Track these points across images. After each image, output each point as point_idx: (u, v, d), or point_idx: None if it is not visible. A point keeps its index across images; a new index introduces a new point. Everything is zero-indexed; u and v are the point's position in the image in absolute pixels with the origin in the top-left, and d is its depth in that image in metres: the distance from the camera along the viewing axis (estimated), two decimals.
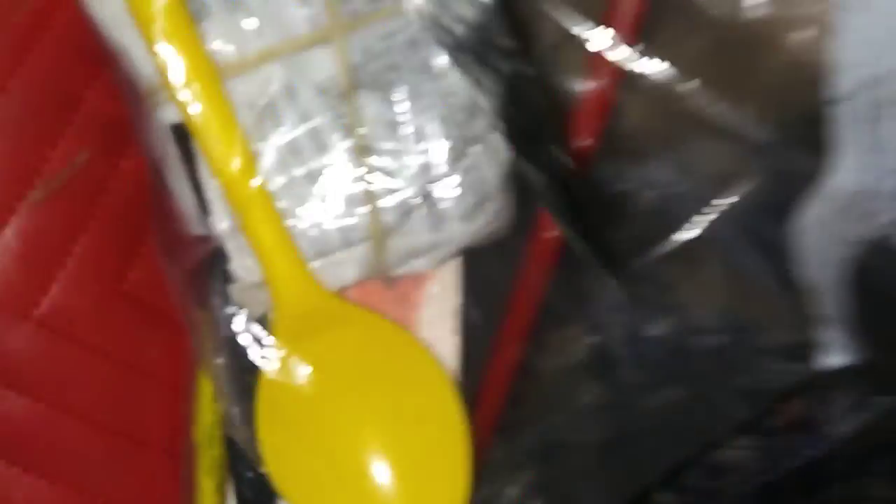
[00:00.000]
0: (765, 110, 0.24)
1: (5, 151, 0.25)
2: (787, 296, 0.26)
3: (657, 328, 0.28)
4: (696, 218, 0.26)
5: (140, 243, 0.27)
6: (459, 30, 0.19)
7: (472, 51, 0.20)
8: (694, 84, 0.24)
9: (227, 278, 0.25)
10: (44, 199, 0.25)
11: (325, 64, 0.24)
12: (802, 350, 0.27)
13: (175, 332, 0.28)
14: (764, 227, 0.26)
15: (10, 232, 0.25)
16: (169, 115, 0.24)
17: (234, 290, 0.25)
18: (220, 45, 0.23)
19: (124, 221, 0.27)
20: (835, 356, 0.27)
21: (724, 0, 0.23)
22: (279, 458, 0.25)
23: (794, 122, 0.24)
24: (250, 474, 0.28)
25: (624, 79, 0.25)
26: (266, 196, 0.24)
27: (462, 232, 0.25)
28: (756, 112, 0.24)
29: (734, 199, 0.26)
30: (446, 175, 0.25)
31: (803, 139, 0.24)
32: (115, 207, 0.27)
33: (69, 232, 0.26)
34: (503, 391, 0.28)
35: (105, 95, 0.26)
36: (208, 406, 0.28)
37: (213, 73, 0.23)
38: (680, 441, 0.31)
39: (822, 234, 0.25)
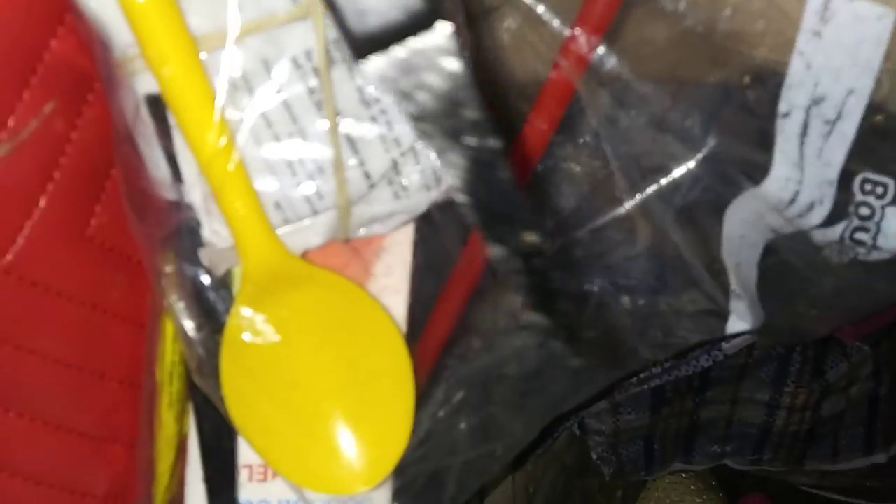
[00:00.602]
0: (712, 115, 0.26)
1: None
2: (705, 270, 0.29)
3: (587, 285, 0.31)
4: (634, 194, 0.29)
5: (101, 189, 0.28)
6: (424, 98, 0.18)
7: (437, 122, 0.18)
8: (649, 83, 0.26)
9: (195, 241, 0.26)
10: (9, 152, 0.25)
11: (302, 39, 0.24)
12: (711, 316, 0.31)
13: (138, 273, 0.29)
14: (695, 212, 0.28)
15: None
16: (144, 86, 0.24)
17: (203, 253, 0.26)
18: (198, 19, 0.23)
19: (87, 168, 0.27)
20: (739, 323, 0.30)
21: (699, 11, 0.24)
22: (239, 403, 0.27)
23: (739, 129, 0.26)
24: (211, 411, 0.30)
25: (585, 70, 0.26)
26: (240, 167, 0.25)
27: (423, 200, 0.27)
28: (704, 116, 0.26)
29: (671, 183, 0.28)
30: (412, 149, 0.26)
31: (746, 145, 0.26)
32: (79, 156, 0.27)
33: (35, 183, 0.26)
34: (443, 343, 0.30)
35: (69, 44, 0.26)
36: (170, 346, 0.30)
37: (190, 46, 0.23)
38: (595, 377, 0.34)
39: (747, 224, 0.28)
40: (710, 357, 0.44)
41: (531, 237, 0.21)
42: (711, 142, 0.26)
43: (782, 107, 0.24)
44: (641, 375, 0.46)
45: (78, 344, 0.29)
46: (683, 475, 0.64)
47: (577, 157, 0.29)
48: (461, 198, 0.20)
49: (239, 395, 0.27)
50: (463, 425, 0.34)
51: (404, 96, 0.18)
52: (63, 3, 0.25)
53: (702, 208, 0.28)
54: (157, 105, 0.24)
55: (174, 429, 0.30)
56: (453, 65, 0.18)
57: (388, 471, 0.29)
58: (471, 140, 0.19)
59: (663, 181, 0.28)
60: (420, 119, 0.18)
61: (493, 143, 0.19)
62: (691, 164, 0.27)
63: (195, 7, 0.23)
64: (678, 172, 0.28)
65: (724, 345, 0.40)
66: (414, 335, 0.30)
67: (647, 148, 0.28)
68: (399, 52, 0.18)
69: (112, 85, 0.24)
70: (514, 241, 0.21)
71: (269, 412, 0.28)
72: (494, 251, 0.21)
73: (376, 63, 0.18)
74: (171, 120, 0.24)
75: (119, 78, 0.24)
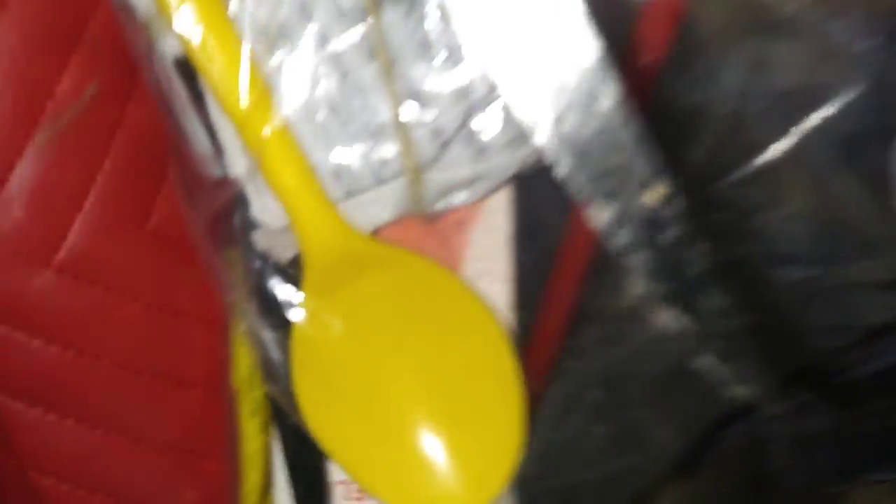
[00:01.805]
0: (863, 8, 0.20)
1: (6, 89, 0.23)
2: (885, 226, 0.23)
3: (736, 256, 0.25)
4: (781, 137, 0.23)
5: (163, 178, 0.25)
6: None
7: None
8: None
9: (250, 224, 0.23)
10: (52, 139, 0.23)
11: None
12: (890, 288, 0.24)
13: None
14: (861, 149, 0.22)
15: (18, 176, 0.23)
16: (172, 48, 0.21)
17: (258, 236, 0.23)
18: None
19: (143, 156, 0.25)
20: None
21: None
22: (318, 414, 0.24)
23: None
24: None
25: None
26: (284, 133, 0.21)
27: (507, 162, 0.23)
28: (852, 10, 0.20)
29: (826, 115, 0.22)
30: (486, 100, 0.22)
31: None
32: (132, 142, 0.25)
33: (84, 172, 0.24)
34: (559, 335, 0.25)
35: (111, 20, 0.24)
36: (245, 347, 0.27)
37: None
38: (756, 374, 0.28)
39: None
40: None
41: (656, 194, 0.16)
42: (865, 48, 0.20)
43: None
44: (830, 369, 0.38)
45: (149, 347, 0.26)
46: (888, 486, 0.55)
47: (701, 93, 0.23)
48: (545, 133, 0.16)
49: (316, 403, 0.24)
50: (595, 433, 0.29)
51: None
52: None
53: (867, 145, 0.21)
54: (188, 68, 0.21)
55: (259, 441, 0.27)
56: None
57: (499, 489, 0.24)
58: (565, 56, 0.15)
59: (819, 115, 0.22)
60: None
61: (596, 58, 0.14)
62: (856, 90, 0.21)
63: None
64: (838, 103, 0.21)
65: None
66: (521, 327, 0.25)
67: (802, 79, 0.22)
68: None
69: (141, 51, 0.22)
70: (630, 202, 0.16)
71: (351, 421, 0.24)
72: (604, 216, 0.16)
73: None
74: (204, 84, 0.21)
75: (147, 43, 0.21)
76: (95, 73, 0.24)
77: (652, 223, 0.17)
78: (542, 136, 0.16)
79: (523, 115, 0.21)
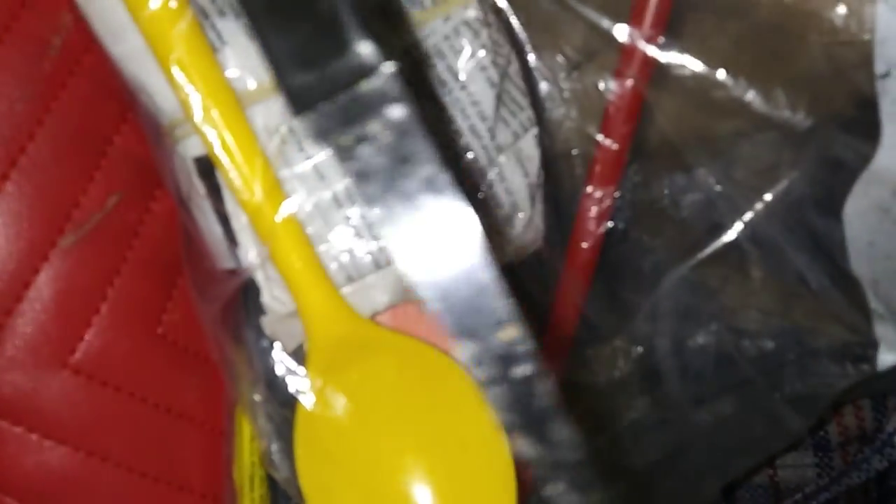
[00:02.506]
0: (804, 95, 0.23)
1: (36, 198, 0.25)
2: (838, 292, 0.25)
3: (701, 337, 0.27)
4: (738, 217, 0.25)
5: (173, 285, 0.27)
6: (368, 153, 0.15)
7: (385, 181, 0.15)
8: (723, 75, 0.23)
9: (258, 311, 0.25)
10: (75, 245, 0.25)
11: None
12: (855, 350, 0.26)
13: (211, 373, 0.28)
14: (811, 220, 0.25)
15: (42, 279, 0.25)
16: (191, 149, 0.24)
17: (266, 322, 0.25)
18: (238, 73, 0.23)
19: (157, 264, 0.27)
20: (890, 354, 0.26)
21: None
22: (321, 495, 0.24)
23: (837, 105, 0.23)
24: None
25: (652, 77, 0.24)
26: (293, 223, 0.23)
27: (494, 247, 0.25)
28: (795, 98, 0.23)
29: (777, 193, 0.25)
30: (472, 187, 0.24)
31: (847, 121, 0.23)
32: (147, 250, 0.27)
33: (102, 277, 0.26)
34: None
35: (134, 137, 0.26)
36: (247, 446, 0.27)
37: (233, 101, 0.23)
38: (733, 459, 0.29)
39: (872, 226, 0.24)
40: (882, 456, 0.38)
41: (510, 332, 0.16)
42: (813, 128, 0.23)
43: (879, 67, 0.21)
44: (806, 490, 0.39)
45: (153, 451, 0.27)
46: None
47: (659, 187, 0.26)
48: (415, 276, 0.16)
49: (318, 484, 0.25)
50: None
51: (344, 152, 0.15)
52: (126, 100, 0.26)
53: (815, 210, 0.24)
54: (205, 166, 0.23)
55: None
56: (399, 112, 0.15)
57: None
58: (426, 199, 0.15)
59: (771, 192, 0.25)
60: (363, 178, 0.15)
61: (457, 202, 0.15)
62: (797, 160, 0.24)
63: (233, 59, 0.23)
64: (785, 176, 0.24)
65: None
66: None
67: (750, 155, 0.25)
68: (336, 100, 0.15)
69: (163, 155, 0.24)
70: (487, 339, 0.16)
71: (351, 499, 0.25)
72: (464, 351, 0.16)
73: (311, 116, 0.15)
74: (221, 179, 0.23)
75: (170, 148, 0.24)
76: (118, 184, 0.26)
77: (505, 360, 0.17)
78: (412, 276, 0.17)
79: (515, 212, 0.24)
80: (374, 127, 0.15)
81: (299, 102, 0.15)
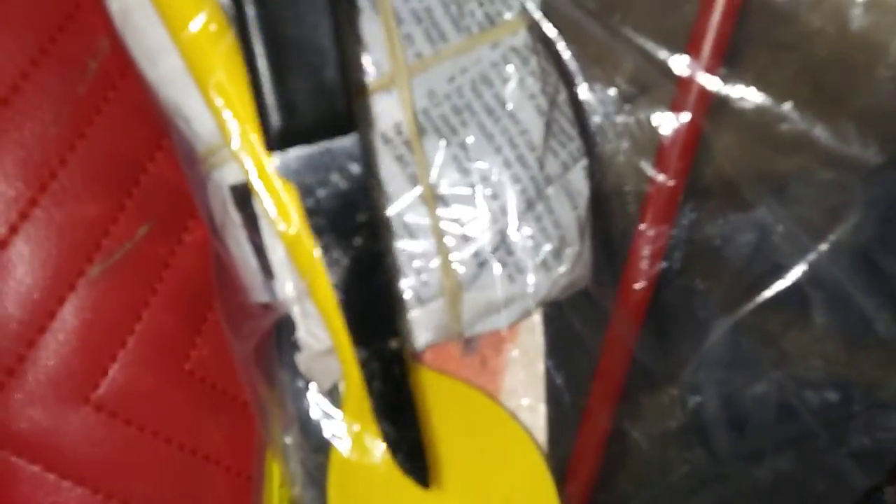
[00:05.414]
0: (875, 130, 0.22)
1: (65, 225, 0.24)
2: None
3: (760, 386, 0.26)
4: (800, 258, 0.24)
5: (203, 320, 0.26)
6: (322, 194, 0.20)
7: (331, 218, 0.20)
8: (789, 108, 0.22)
9: (292, 349, 0.23)
10: (103, 275, 0.24)
11: (388, 111, 0.23)
12: None
13: (239, 413, 0.26)
14: (879, 262, 0.23)
15: (68, 309, 0.24)
16: (228, 176, 0.23)
17: (301, 359, 0.23)
18: None
19: (187, 298, 0.26)
20: None
21: (828, 12, 0.21)
22: None
23: None
24: None
25: (710, 110, 0.23)
26: None
27: (540, 283, 0.24)
28: (860, 133, 0.22)
29: (843, 234, 0.23)
30: (520, 220, 0.23)
31: None
32: (177, 282, 0.26)
33: (130, 309, 0.25)
34: (595, 462, 0.25)
35: (168, 165, 0.26)
36: (276, 492, 0.26)
37: None
38: None
39: None
40: None
41: (395, 344, 0.21)
42: (883, 164, 0.22)
43: None
44: None
45: (176, 494, 0.25)
46: None
47: (716, 226, 0.25)
48: (336, 294, 0.20)
49: None
50: None
51: (306, 190, 0.19)
52: (161, 127, 0.25)
53: (884, 251, 0.23)
54: (242, 194, 0.22)
55: None
56: (356, 169, 0.19)
57: None
58: (357, 240, 0.20)
59: (836, 232, 0.23)
60: (315, 213, 0.20)
61: (373, 244, 0.20)
62: (865, 198, 0.23)
63: None
64: (852, 215, 0.23)
65: None
66: (558, 451, 0.25)
67: (814, 193, 0.24)
68: (310, 148, 0.19)
69: (198, 182, 0.23)
70: (378, 346, 0.21)
71: None
72: (359, 352, 0.21)
73: (288, 155, 0.19)
74: (258, 209, 0.22)
75: (205, 174, 0.23)
76: (149, 214, 0.25)
77: (389, 363, 0.21)
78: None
79: (561, 246, 0.23)
80: (334, 176, 0.20)
81: (277, 141, 0.19)
